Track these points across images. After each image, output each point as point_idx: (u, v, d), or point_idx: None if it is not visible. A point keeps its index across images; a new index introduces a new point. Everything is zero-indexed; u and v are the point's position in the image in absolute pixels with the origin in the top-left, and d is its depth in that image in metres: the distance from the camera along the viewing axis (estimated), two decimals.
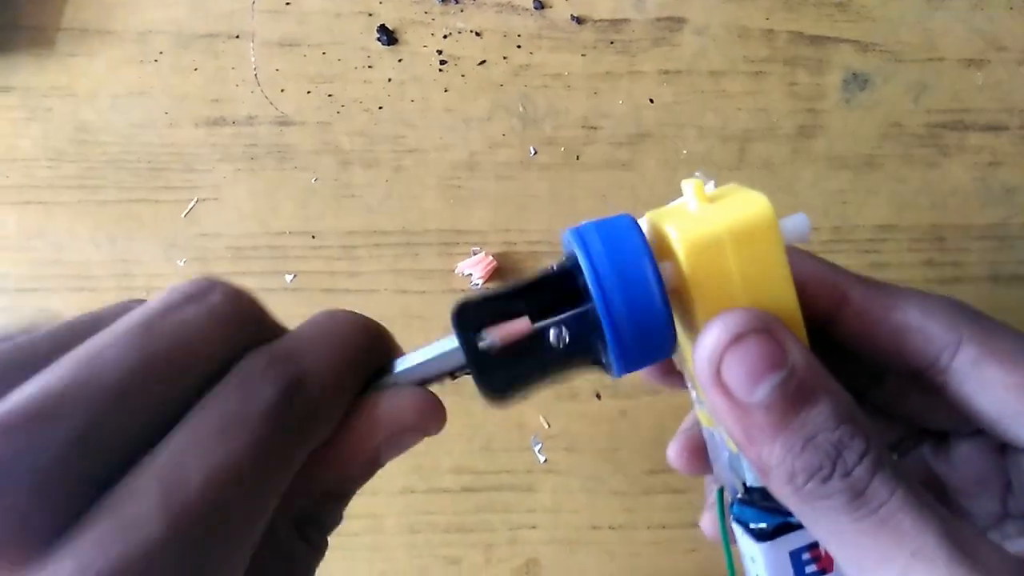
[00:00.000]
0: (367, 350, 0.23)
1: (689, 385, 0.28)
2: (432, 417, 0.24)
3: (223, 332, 0.20)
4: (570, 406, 0.45)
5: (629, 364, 0.23)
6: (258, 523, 0.19)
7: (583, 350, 0.23)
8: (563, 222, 0.45)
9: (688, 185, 0.23)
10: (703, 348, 0.22)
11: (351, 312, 0.23)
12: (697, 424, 0.30)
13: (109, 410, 0.18)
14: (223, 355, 0.20)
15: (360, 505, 0.44)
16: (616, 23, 0.46)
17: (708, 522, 0.32)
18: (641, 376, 0.30)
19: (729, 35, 0.46)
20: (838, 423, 0.21)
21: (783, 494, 0.22)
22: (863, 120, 0.46)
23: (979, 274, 0.46)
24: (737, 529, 0.26)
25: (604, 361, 0.24)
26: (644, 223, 0.24)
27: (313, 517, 0.23)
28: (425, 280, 0.45)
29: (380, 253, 0.45)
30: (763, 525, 0.25)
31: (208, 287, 0.20)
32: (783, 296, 0.23)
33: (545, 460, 0.45)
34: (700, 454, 0.30)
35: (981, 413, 0.25)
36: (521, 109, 0.46)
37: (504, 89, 0.46)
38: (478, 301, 0.23)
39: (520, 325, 0.22)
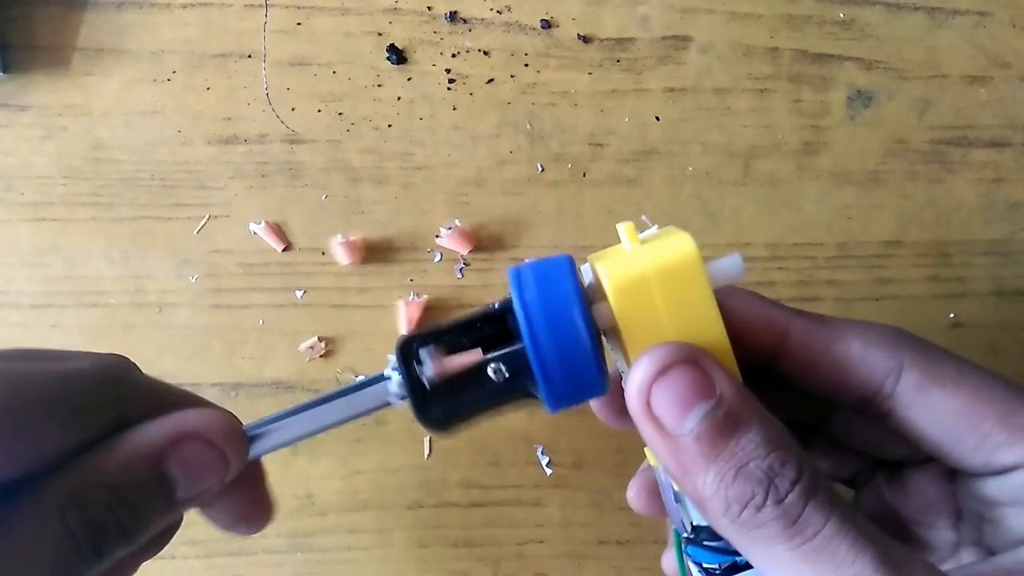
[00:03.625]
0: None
1: None
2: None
3: None
4: (577, 421, 0.45)
5: (559, 401, 0.24)
6: None
7: (519, 386, 0.24)
8: (570, 237, 0.46)
9: (622, 228, 0.25)
10: (632, 382, 0.23)
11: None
12: (651, 466, 0.31)
13: None
14: None
15: (369, 519, 0.45)
16: (622, 42, 0.46)
17: (668, 561, 0.32)
18: (599, 417, 0.31)
19: (734, 53, 0.46)
20: (769, 451, 0.22)
21: (720, 525, 0.22)
22: (868, 137, 0.46)
23: (984, 289, 0.46)
24: (694, 568, 0.27)
25: (540, 397, 0.24)
26: (587, 266, 0.26)
27: None
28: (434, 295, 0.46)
29: (389, 269, 0.46)
30: (715, 566, 0.26)
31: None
32: (711, 330, 0.24)
33: (552, 475, 0.45)
34: (658, 494, 0.30)
35: (926, 438, 0.25)
36: (528, 126, 0.46)
37: (511, 107, 0.46)
38: (422, 335, 0.24)
39: (460, 359, 0.23)
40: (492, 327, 0.24)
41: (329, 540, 0.45)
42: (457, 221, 0.45)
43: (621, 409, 0.30)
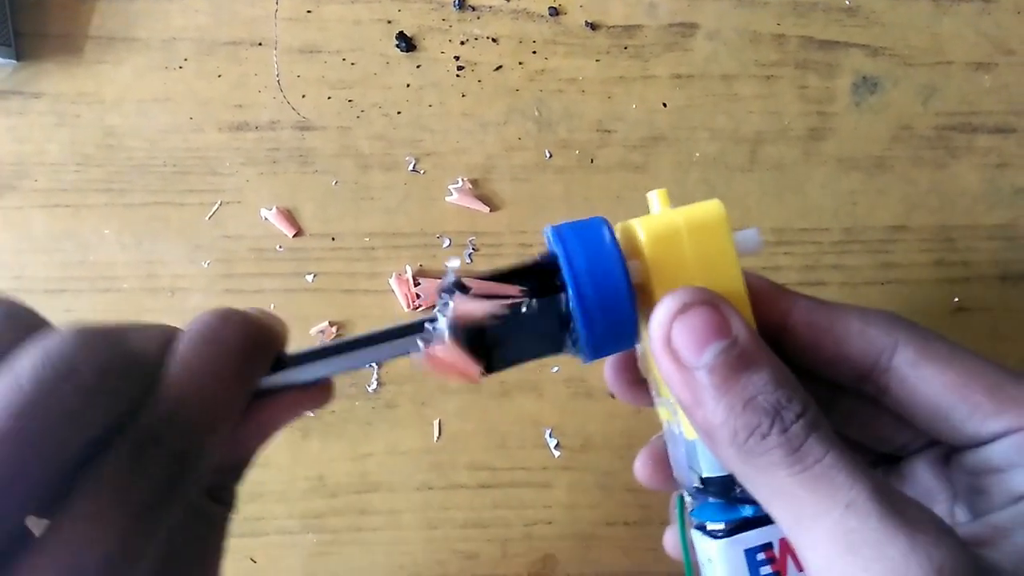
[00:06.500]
0: (254, 357, 0.24)
1: (653, 391, 0.30)
2: (324, 399, 0.27)
3: (99, 410, 0.20)
4: (585, 404, 0.46)
5: (598, 346, 0.25)
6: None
7: (555, 334, 0.25)
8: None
9: (653, 194, 0.27)
10: (655, 317, 0.24)
11: (230, 318, 0.23)
12: (661, 436, 0.32)
13: None
14: (103, 428, 0.20)
15: (379, 501, 0.46)
16: (629, 29, 0.47)
17: (670, 539, 0.33)
18: (611, 390, 0.32)
19: (740, 40, 0.47)
20: (777, 387, 0.23)
21: (727, 455, 0.24)
22: (873, 123, 0.47)
23: (988, 273, 0.47)
24: (696, 535, 0.28)
25: (576, 347, 0.26)
26: (617, 230, 0.27)
27: (222, 483, 0.26)
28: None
29: (398, 254, 0.46)
30: (720, 525, 0.27)
31: (80, 360, 0.20)
32: (732, 283, 0.26)
33: (560, 457, 0.46)
34: (663, 465, 0.32)
35: (919, 412, 0.27)
36: (536, 113, 0.47)
37: (520, 94, 0.47)
38: (463, 281, 0.25)
39: (500, 292, 0.25)
40: (532, 277, 0.26)
41: (340, 521, 0.46)
42: (463, 178, 0.46)
43: (632, 380, 0.31)
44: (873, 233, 0.47)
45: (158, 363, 0.22)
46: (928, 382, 0.26)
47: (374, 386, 0.46)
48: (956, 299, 0.47)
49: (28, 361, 0.19)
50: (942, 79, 0.47)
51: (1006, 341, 0.47)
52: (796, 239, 0.46)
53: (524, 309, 0.25)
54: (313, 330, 0.45)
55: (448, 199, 0.46)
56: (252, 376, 0.24)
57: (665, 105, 0.47)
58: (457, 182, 0.46)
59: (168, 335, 0.23)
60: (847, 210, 0.47)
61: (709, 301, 0.24)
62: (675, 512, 0.31)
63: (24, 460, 0.19)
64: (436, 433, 0.46)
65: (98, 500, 0.19)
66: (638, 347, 0.30)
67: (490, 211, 0.46)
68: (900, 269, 0.47)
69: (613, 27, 0.47)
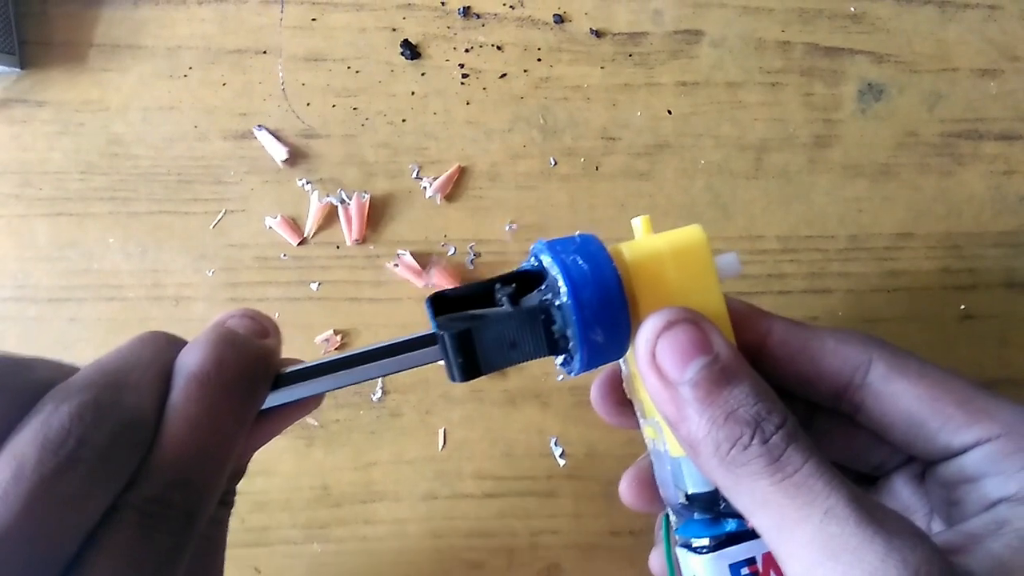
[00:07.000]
0: (252, 393, 0.24)
1: (638, 412, 0.31)
2: (314, 406, 0.28)
3: (105, 488, 0.20)
4: (590, 412, 0.46)
5: (591, 355, 0.26)
6: None
7: (545, 339, 0.26)
8: (583, 231, 0.46)
9: (636, 221, 0.28)
10: (640, 335, 0.25)
11: (224, 358, 0.23)
12: (647, 458, 0.32)
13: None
14: (110, 500, 0.20)
15: (384, 510, 0.45)
16: (634, 36, 0.47)
17: (655, 560, 0.34)
18: (598, 412, 0.33)
19: (746, 47, 0.47)
20: (757, 400, 0.24)
21: (710, 467, 0.24)
22: (879, 130, 0.47)
23: (994, 281, 0.47)
24: (681, 553, 0.29)
25: (566, 358, 0.27)
26: None
27: (224, 488, 0.26)
28: None
29: (403, 262, 0.46)
30: (705, 541, 0.27)
31: (82, 442, 0.20)
32: (714, 303, 0.27)
33: (565, 466, 0.46)
34: (648, 486, 0.33)
35: (893, 426, 0.28)
36: (541, 121, 0.46)
37: (524, 101, 0.46)
38: (451, 291, 0.26)
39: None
40: (522, 286, 0.26)
41: (345, 531, 0.45)
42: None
43: (617, 401, 0.32)
44: (879, 240, 0.46)
45: (156, 418, 0.22)
46: (901, 396, 0.27)
47: (378, 395, 0.46)
48: (962, 306, 0.46)
49: (30, 449, 0.19)
50: (948, 86, 0.47)
51: (1012, 348, 0.46)
52: (802, 247, 0.46)
53: (511, 312, 0.25)
54: (318, 339, 0.45)
55: (452, 207, 0.46)
56: (252, 411, 0.24)
57: (670, 112, 0.47)
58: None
59: (161, 373, 0.23)
60: (853, 217, 0.47)
61: (691, 319, 0.25)
62: (661, 532, 0.32)
63: (35, 553, 0.19)
64: (441, 442, 0.46)
65: (113, 568, 0.20)
66: (624, 370, 0.31)
67: (494, 219, 0.46)
68: (906, 276, 0.46)
69: (618, 35, 0.47)
